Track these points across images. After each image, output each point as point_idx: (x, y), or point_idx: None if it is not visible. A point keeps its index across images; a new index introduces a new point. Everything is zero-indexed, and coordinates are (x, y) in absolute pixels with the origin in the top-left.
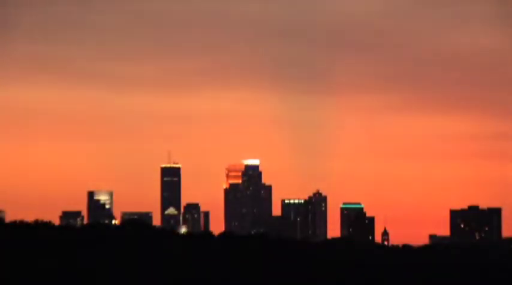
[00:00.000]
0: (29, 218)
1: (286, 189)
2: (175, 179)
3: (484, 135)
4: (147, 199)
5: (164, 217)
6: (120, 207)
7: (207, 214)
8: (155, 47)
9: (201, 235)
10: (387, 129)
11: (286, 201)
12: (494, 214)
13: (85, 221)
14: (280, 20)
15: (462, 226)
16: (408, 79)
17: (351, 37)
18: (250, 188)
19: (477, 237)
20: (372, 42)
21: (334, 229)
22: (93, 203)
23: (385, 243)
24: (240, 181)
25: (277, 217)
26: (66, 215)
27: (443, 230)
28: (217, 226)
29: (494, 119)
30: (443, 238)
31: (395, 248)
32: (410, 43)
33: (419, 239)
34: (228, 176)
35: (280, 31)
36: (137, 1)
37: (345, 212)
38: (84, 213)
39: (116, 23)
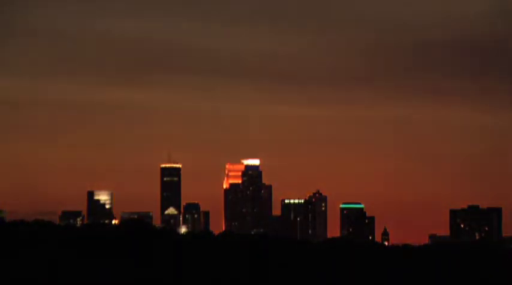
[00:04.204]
0: (29, 218)
1: (286, 189)
2: (176, 179)
3: (484, 133)
4: (147, 199)
5: (164, 217)
6: (120, 207)
7: (207, 214)
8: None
9: (201, 235)
10: (387, 128)
11: (286, 201)
12: (494, 214)
13: (85, 221)
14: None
15: (462, 225)
16: (404, 73)
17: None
18: (250, 188)
19: (477, 237)
20: None
21: (334, 229)
22: (93, 203)
23: (385, 243)
24: (240, 181)
25: (277, 217)
26: (66, 215)
27: (443, 230)
28: (217, 226)
29: (495, 116)
30: (443, 238)
31: (395, 248)
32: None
33: (419, 239)
34: (228, 176)
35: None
36: None
37: (345, 212)
38: (84, 213)
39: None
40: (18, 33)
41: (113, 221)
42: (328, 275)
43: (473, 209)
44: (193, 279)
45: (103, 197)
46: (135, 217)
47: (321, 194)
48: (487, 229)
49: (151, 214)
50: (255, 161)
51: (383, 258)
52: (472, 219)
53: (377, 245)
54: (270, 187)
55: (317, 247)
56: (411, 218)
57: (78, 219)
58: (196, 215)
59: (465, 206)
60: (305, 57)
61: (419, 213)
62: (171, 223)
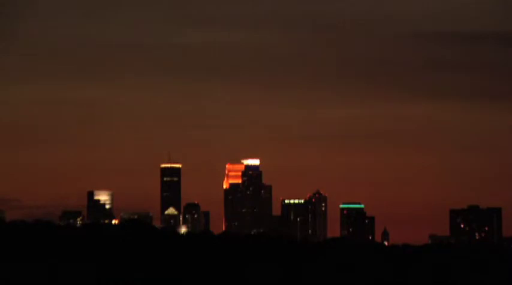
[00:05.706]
0: (29, 218)
1: (286, 189)
2: (175, 179)
3: (484, 133)
4: (147, 199)
5: (164, 217)
6: (120, 207)
7: (207, 214)
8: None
9: (201, 235)
10: (387, 128)
11: (286, 201)
12: (494, 214)
13: (85, 221)
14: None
15: (462, 226)
16: (404, 71)
17: None
18: (250, 188)
19: (477, 237)
20: None
21: (334, 229)
22: (93, 203)
23: (385, 243)
24: (240, 181)
25: (277, 217)
26: (66, 215)
27: (443, 230)
28: (217, 226)
29: (495, 115)
30: (443, 238)
31: (395, 248)
32: None
33: (419, 239)
34: (228, 176)
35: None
36: None
37: (345, 212)
38: (84, 213)
39: None
40: (20, 34)
41: (113, 221)
42: (328, 274)
43: (473, 209)
44: (194, 279)
45: (103, 197)
46: (135, 217)
47: (321, 194)
48: (487, 229)
49: (151, 214)
50: (255, 161)
51: (383, 258)
52: (472, 219)
53: (377, 245)
54: (270, 187)
55: (317, 247)
56: (411, 218)
57: (78, 219)
58: (196, 215)
59: (465, 206)
60: (305, 57)
61: (419, 213)
62: (171, 223)
